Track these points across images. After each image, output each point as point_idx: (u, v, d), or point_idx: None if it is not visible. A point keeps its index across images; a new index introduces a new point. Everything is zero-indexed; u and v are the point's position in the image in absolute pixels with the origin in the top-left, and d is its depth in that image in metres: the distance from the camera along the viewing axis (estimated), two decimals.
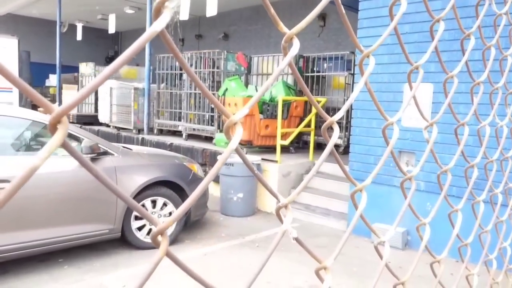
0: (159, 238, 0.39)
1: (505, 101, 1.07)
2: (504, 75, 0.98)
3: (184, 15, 12.30)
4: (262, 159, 6.70)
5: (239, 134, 0.42)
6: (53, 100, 14.87)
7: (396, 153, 5.35)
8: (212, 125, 8.87)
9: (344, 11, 0.49)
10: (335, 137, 0.55)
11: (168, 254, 0.40)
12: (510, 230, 1.13)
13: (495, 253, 0.99)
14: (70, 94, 13.46)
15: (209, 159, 7.75)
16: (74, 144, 4.46)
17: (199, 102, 9.27)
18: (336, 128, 0.55)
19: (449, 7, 0.72)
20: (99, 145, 4.40)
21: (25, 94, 0.32)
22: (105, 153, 4.45)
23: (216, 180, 7.09)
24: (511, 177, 1.13)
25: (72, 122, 11.96)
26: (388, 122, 0.63)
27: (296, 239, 0.50)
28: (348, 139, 6.68)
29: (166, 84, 10.44)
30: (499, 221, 1.04)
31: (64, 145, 0.32)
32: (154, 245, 0.41)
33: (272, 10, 0.41)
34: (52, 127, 0.30)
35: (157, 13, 0.32)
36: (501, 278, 0.99)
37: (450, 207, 0.89)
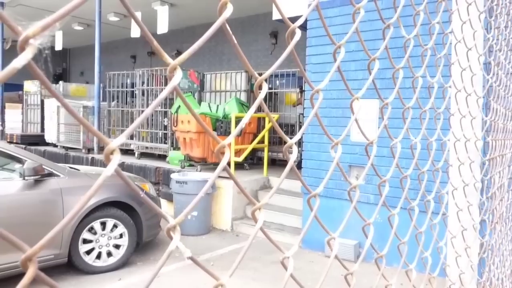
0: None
1: (435, 121, 1.15)
2: (431, 99, 1.06)
3: (135, 33, 12.14)
4: None
5: (115, 158, 0.41)
6: None
7: (346, 168, 5.51)
8: (166, 143, 8.74)
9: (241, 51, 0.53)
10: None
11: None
12: (431, 240, 1.20)
13: (414, 263, 1.05)
14: (13, 114, 12.83)
15: (162, 178, 7.60)
16: (16, 166, 4.25)
17: (152, 120, 9.12)
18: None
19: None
20: (44, 166, 4.20)
21: None
22: (50, 174, 4.26)
23: (170, 199, 6.95)
24: (429, 187, 1.20)
25: (16, 143, 11.36)
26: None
27: (191, 258, 0.50)
28: (301, 155, 6.79)
29: (117, 101, 10.21)
30: (418, 232, 1.10)
31: None
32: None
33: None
34: None
35: (21, 49, 0.32)
36: (423, 286, 1.05)
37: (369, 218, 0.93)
